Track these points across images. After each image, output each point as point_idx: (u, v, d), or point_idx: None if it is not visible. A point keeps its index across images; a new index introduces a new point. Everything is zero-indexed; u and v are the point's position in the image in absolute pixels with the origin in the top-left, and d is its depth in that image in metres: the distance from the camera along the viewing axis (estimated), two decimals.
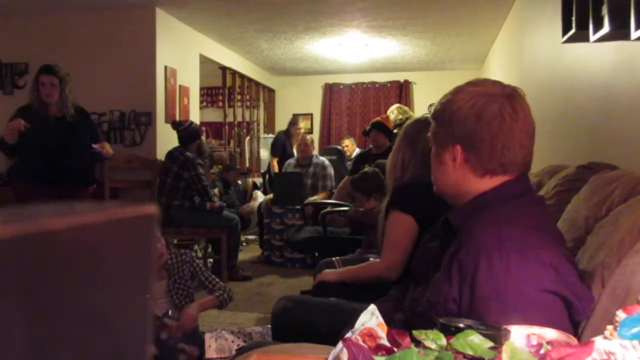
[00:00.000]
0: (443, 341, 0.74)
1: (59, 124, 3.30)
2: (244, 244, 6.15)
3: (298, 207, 4.94)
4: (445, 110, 1.12)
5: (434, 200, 1.27)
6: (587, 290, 1.02)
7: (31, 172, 3.29)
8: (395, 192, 1.95)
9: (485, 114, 1.06)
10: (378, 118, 4.72)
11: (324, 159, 5.58)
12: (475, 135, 1.07)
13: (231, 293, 2.56)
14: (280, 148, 6.12)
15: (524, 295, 0.94)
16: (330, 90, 8.58)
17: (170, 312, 2.38)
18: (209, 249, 5.15)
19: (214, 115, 8.64)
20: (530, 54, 3.95)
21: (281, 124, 8.77)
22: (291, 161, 5.74)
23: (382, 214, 2.01)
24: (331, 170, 5.46)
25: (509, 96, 1.09)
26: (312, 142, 5.66)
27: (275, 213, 5.29)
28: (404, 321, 1.22)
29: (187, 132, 4.49)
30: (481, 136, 1.07)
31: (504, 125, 1.06)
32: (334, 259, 2.61)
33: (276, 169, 6.05)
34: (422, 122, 2.00)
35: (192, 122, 4.63)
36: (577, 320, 1.01)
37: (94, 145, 3.31)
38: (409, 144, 1.96)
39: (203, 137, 4.56)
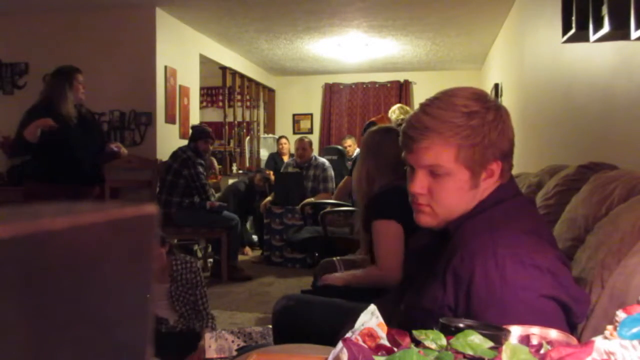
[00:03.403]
0: (443, 341, 0.73)
1: (80, 123, 3.29)
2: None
3: (298, 206, 4.94)
4: (488, 131, 1.04)
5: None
6: (584, 292, 1.02)
7: (48, 171, 3.25)
8: (371, 203, 1.95)
9: (510, 124, 1.09)
10: (373, 119, 4.70)
11: (324, 160, 5.55)
12: (512, 146, 1.10)
13: (214, 324, 2.56)
14: (271, 164, 6.62)
15: (521, 302, 0.93)
16: (330, 90, 8.58)
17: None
18: (209, 249, 5.15)
19: (214, 115, 8.63)
20: (530, 54, 3.95)
21: (281, 124, 8.77)
22: (290, 161, 5.73)
23: (360, 229, 2.01)
24: (331, 172, 5.43)
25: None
26: (311, 144, 5.63)
27: (275, 213, 5.29)
28: (399, 323, 1.22)
29: (192, 130, 4.72)
30: (513, 146, 1.10)
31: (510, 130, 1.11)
32: (334, 258, 2.61)
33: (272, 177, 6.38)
34: (382, 133, 2.01)
35: (201, 125, 4.83)
36: (575, 323, 1.00)
37: (112, 145, 3.30)
38: (373, 155, 1.97)
39: (204, 143, 4.59)
